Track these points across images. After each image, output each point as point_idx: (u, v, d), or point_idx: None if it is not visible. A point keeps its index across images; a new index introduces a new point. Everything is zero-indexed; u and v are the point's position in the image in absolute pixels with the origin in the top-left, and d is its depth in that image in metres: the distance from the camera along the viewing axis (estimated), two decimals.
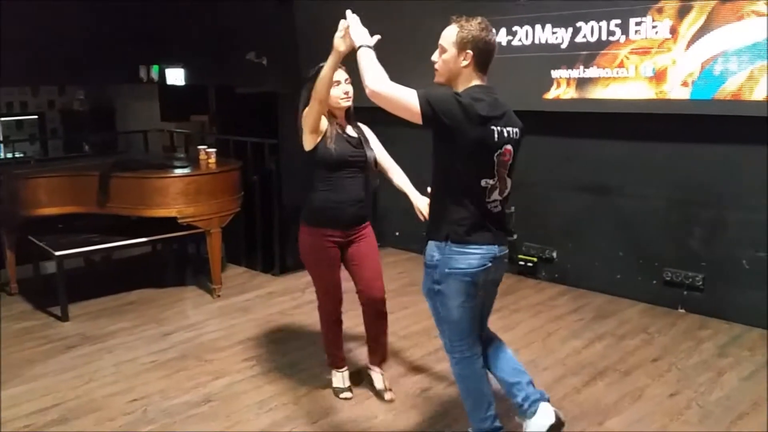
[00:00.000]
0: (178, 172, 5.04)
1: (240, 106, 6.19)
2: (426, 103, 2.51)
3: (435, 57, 2.72)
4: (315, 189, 3.28)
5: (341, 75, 3.18)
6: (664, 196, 4.73)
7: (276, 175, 5.54)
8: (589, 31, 4.70)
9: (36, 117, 8.23)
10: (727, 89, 4.20)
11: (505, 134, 2.65)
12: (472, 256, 2.68)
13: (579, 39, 4.75)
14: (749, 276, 4.40)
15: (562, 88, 4.91)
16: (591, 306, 4.85)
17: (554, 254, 5.37)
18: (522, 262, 5.52)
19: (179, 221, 4.88)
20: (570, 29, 4.79)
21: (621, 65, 4.59)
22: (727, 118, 4.25)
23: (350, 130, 3.35)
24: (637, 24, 4.48)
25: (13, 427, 3.29)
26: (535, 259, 5.46)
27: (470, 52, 2.62)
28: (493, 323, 4.48)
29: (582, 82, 4.80)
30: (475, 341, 2.85)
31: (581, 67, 4.77)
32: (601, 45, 4.66)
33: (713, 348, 4.11)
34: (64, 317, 4.69)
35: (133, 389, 3.68)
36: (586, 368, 3.86)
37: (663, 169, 4.70)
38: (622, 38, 4.55)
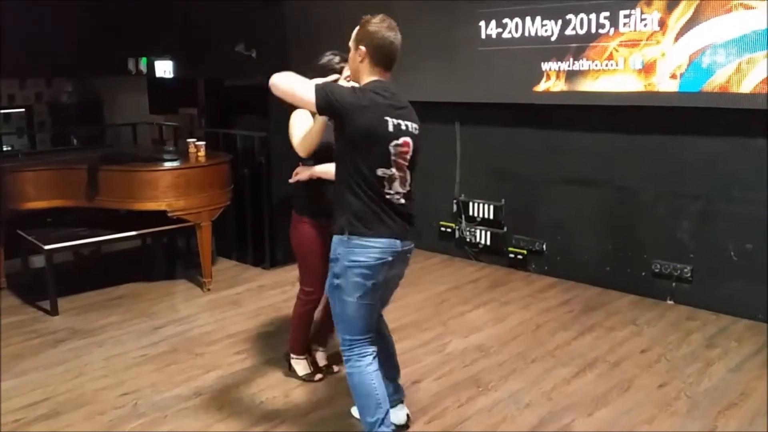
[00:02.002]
0: (168, 165, 5.01)
1: (229, 98, 6.17)
2: (321, 90, 2.60)
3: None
4: (314, 181, 3.32)
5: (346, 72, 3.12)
6: (653, 189, 4.75)
7: (266, 168, 5.53)
8: (578, 23, 4.71)
9: (23, 110, 8.15)
10: (715, 82, 4.22)
11: (403, 127, 2.69)
12: (372, 250, 2.68)
13: (569, 31, 4.76)
14: (737, 268, 4.43)
15: (552, 81, 4.92)
16: (580, 298, 4.88)
17: (544, 246, 5.39)
18: (512, 255, 5.54)
19: (169, 215, 4.86)
20: (560, 21, 4.80)
21: (610, 58, 4.60)
22: (715, 111, 4.27)
23: None
24: (626, 16, 4.49)
25: (4, 421, 3.28)
26: (524, 252, 5.48)
27: (364, 48, 2.69)
28: (484, 315, 4.56)
29: (572, 75, 4.81)
30: (371, 341, 2.84)
31: (571, 60, 4.78)
32: (590, 37, 4.67)
33: (701, 339, 4.15)
34: (53, 311, 4.67)
35: (124, 383, 3.68)
36: (575, 360, 3.89)
37: (652, 161, 4.72)
38: (612, 31, 4.57)
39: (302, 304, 3.56)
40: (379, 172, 2.66)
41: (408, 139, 2.70)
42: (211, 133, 6.01)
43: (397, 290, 3.72)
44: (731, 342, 4.09)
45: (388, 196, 2.69)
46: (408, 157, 2.72)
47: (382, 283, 2.78)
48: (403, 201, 2.74)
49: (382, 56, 2.70)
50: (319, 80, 2.81)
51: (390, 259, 2.72)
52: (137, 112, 7.38)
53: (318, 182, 3.29)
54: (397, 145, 2.67)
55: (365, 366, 2.80)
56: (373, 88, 2.67)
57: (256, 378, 3.70)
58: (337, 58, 3.29)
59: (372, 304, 2.78)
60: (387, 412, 2.80)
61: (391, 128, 2.65)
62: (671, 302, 4.73)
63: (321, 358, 3.79)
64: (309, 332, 3.69)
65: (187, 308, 4.83)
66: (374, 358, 2.83)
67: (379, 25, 2.68)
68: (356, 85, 2.78)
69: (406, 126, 2.70)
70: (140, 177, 4.83)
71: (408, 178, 2.76)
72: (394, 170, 2.68)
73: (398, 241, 2.73)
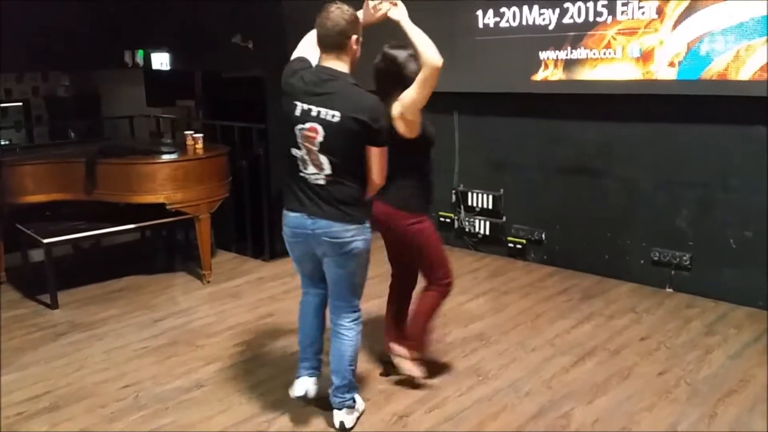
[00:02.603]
0: (166, 157, 5.00)
1: (226, 90, 6.15)
2: None
3: None
4: (426, 174, 3.35)
5: None
6: (652, 177, 4.75)
7: (264, 159, 5.52)
8: (576, 11, 4.70)
9: (20, 104, 8.13)
10: (714, 69, 4.21)
11: (313, 113, 2.78)
12: (286, 220, 2.98)
13: (566, 20, 4.75)
14: (736, 255, 4.44)
15: (550, 70, 4.91)
16: (579, 287, 4.89)
17: (543, 236, 5.39)
18: (511, 245, 5.54)
19: (167, 207, 4.85)
20: (557, 10, 4.78)
21: (608, 46, 4.59)
22: (713, 98, 4.27)
23: None
24: (624, 4, 4.48)
25: (5, 414, 3.28)
26: (524, 241, 5.48)
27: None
28: (483, 305, 4.58)
29: (570, 64, 4.80)
30: (306, 285, 3.19)
31: (569, 48, 4.77)
32: (588, 26, 4.66)
33: (701, 326, 4.16)
34: (53, 305, 4.68)
35: (124, 376, 3.69)
36: (574, 348, 3.90)
37: (650, 149, 4.72)
38: (609, 19, 4.55)
39: (443, 296, 3.48)
40: (293, 151, 2.86)
41: (315, 125, 2.78)
42: (209, 125, 6.00)
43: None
44: (730, 329, 4.10)
45: (302, 174, 2.87)
46: (316, 141, 2.79)
47: (304, 258, 3.04)
48: (322, 182, 2.84)
49: (319, 40, 2.83)
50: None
51: (299, 232, 2.92)
52: (134, 105, 7.36)
53: (427, 179, 3.36)
54: (302, 129, 2.80)
55: (301, 303, 3.24)
56: (302, 74, 2.84)
57: (257, 369, 3.71)
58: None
59: (296, 261, 3.11)
60: (301, 360, 3.23)
61: (298, 113, 2.80)
62: (670, 290, 4.74)
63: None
64: None
65: (186, 301, 4.83)
66: (307, 304, 3.21)
67: (321, 9, 2.82)
68: None
69: (318, 112, 2.77)
70: (138, 170, 4.82)
71: (323, 163, 2.81)
72: (303, 152, 2.83)
73: (308, 220, 2.88)
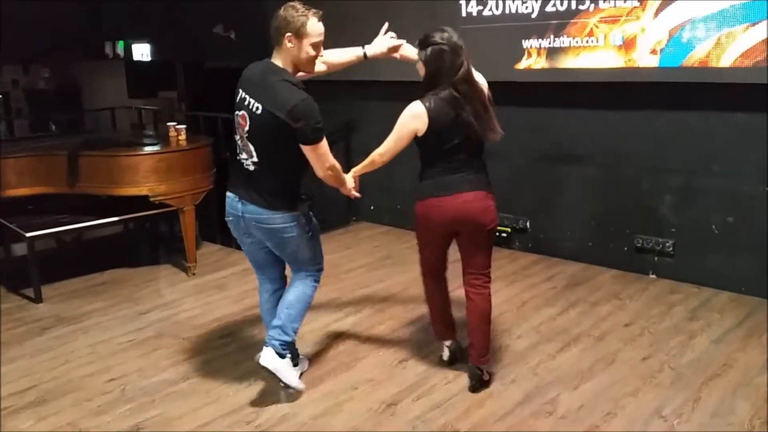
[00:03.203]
0: (148, 149, 4.97)
1: (209, 81, 6.12)
2: None
3: None
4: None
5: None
6: (635, 164, 4.78)
7: None
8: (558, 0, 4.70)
9: (0, 96, 8.05)
10: (695, 56, 4.23)
11: (246, 102, 2.94)
12: (226, 200, 3.18)
13: (549, 8, 4.75)
14: (719, 241, 4.48)
15: (533, 58, 4.91)
16: (564, 274, 4.92)
17: (527, 224, 5.42)
18: (496, 233, 5.54)
19: (151, 199, 4.82)
20: None
21: (591, 34, 4.60)
22: (695, 85, 4.29)
23: None
24: None
25: None
26: (509, 230, 5.50)
27: None
28: None
29: (552, 52, 4.81)
30: (261, 278, 3.39)
31: (552, 37, 4.78)
32: (570, 14, 4.66)
33: (684, 312, 4.20)
34: (37, 299, 4.65)
35: (110, 369, 3.67)
36: (560, 335, 3.93)
37: (633, 137, 4.75)
38: (591, 7, 4.56)
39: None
40: (235, 136, 3.05)
41: (245, 113, 2.95)
42: (192, 117, 5.97)
43: (383, 270, 3.75)
44: (713, 314, 4.15)
45: (239, 158, 3.06)
46: (244, 130, 2.96)
47: (244, 241, 3.21)
48: (252, 168, 3.00)
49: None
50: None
51: (232, 212, 3.13)
52: (116, 97, 7.32)
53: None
54: (237, 116, 2.99)
55: (259, 298, 3.44)
56: (254, 65, 3.03)
57: (244, 361, 3.70)
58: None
59: (244, 246, 3.26)
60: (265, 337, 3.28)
61: (237, 99, 2.99)
62: (653, 276, 4.78)
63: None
64: (435, 318, 3.63)
65: (172, 293, 4.82)
66: (264, 292, 3.40)
67: None
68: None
69: (249, 102, 2.92)
70: (120, 162, 4.79)
71: (251, 150, 2.97)
72: (237, 138, 3.03)
73: (239, 204, 3.07)
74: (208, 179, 5.19)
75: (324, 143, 2.95)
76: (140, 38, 7.14)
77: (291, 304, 3.23)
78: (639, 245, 4.81)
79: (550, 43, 4.79)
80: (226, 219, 3.21)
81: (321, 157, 2.96)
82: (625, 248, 4.90)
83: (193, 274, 5.13)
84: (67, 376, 3.61)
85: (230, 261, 5.47)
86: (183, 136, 5.11)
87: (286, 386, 3.25)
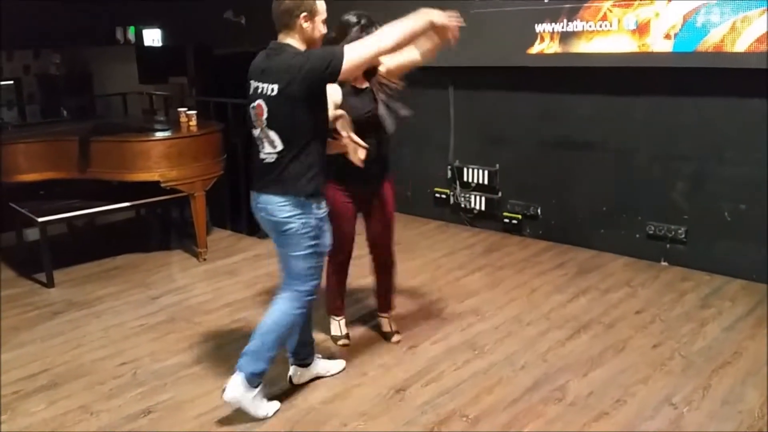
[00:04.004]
0: (159, 135, 4.98)
1: (219, 66, 6.10)
2: None
3: None
4: None
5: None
6: (647, 150, 4.74)
7: None
8: None
9: (12, 82, 8.08)
10: (710, 41, 4.19)
11: (259, 90, 2.82)
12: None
13: None
14: (731, 228, 4.45)
15: (546, 43, 4.87)
16: (575, 261, 4.90)
17: (539, 211, 5.40)
18: (506, 220, 5.54)
19: (162, 185, 4.84)
20: None
21: (604, 18, 4.56)
22: (709, 71, 4.25)
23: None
24: None
25: (3, 392, 3.29)
26: (519, 216, 5.48)
27: None
28: (479, 280, 4.59)
29: (566, 36, 4.76)
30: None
31: (565, 21, 4.74)
32: None
33: (695, 299, 4.18)
34: (49, 284, 4.68)
35: (122, 353, 3.70)
36: (570, 322, 3.92)
37: (645, 123, 4.71)
38: None
39: (327, 266, 3.57)
40: (252, 132, 2.90)
41: (261, 102, 2.82)
42: (202, 102, 5.97)
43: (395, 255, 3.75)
44: (725, 302, 4.13)
45: (260, 154, 2.89)
46: (263, 119, 2.82)
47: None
48: (274, 159, 2.84)
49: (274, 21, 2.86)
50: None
51: (253, 208, 2.98)
52: (127, 82, 7.33)
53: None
54: (253, 108, 2.86)
55: None
56: (259, 54, 2.92)
57: None
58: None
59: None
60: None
61: (251, 91, 2.87)
62: (665, 263, 4.75)
63: (385, 324, 3.83)
64: (338, 294, 3.73)
65: (183, 278, 4.84)
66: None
67: None
68: None
69: (262, 89, 2.80)
70: (132, 147, 4.80)
71: (273, 139, 2.82)
72: (258, 131, 2.87)
73: (255, 198, 2.94)
74: (218, 165, 5.19)
75: (350, 52, 2.71)
76: (151, 24, 7.14)
77: (268, 329, 2.96)
78: (651, 232, 4.78)
79: (563, 28, 4.75)
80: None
81: (360, 62, 2.75)
82: (637, 235, 4.87)
83: (204, 259, 5.15)
84: (78, 360, 3.64)
85: (241, 246, 5.48)
86: (194, 122, 5.11)
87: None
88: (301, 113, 2.77)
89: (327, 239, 3.02)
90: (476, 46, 5.21)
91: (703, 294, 4.25)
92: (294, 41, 2.83)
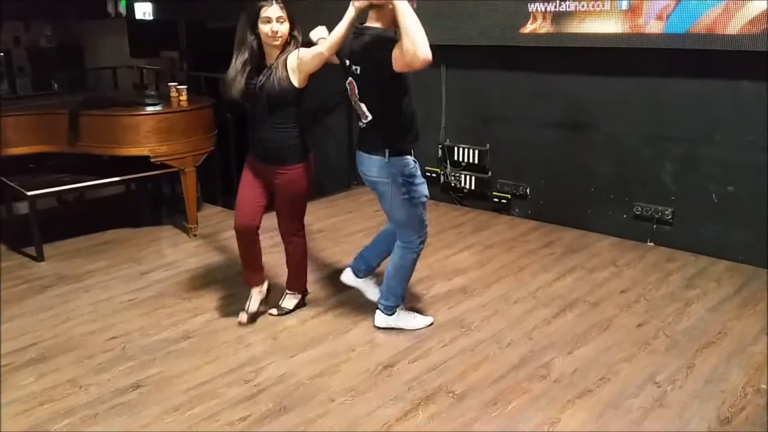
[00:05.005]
0: (150, 109, 4.95)
1: (211, 41, 6.06)
2: None
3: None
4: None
5: (273, 12, 3.21)
6: (637, 132, 4.76)
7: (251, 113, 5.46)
8: None
9: (2, 54, 8.00)
10: (702, 23, 4.18)
11: (351, 69, 3.18)
12: None
13: None
14: (718, 210, 4.48)
15: (538, 22, 4.86)
16: (562, 241, 4.94)
17: (527, 190, 5.42)
18: (496, 199, 5.57)
19: (152, 160, 4.82)
20: None
21: None
22: (700, 53, 4.25)
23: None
24: None
25: None
26: (508, 196, 5.51)
27: None
28: (468, 258, 4.64)
29: (558, 16, 4.75)
30: None
31: (557, 1, 4.72)
32: None
33: (681, 280, 4.22)
34: (39, 257, 4.68)
35: (112, 327, 3.71)
36: (556, 300, 3.96)
37: (636, 104, 4.72)
38: None
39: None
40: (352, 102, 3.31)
41: (351, 80, 3.21)
42: (193, 77, 5.93)
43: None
44: (710, 282, 4.17)
45: (359, 123, 3.33)
46: (355, 94, 3.23)
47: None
48: (364, 127, 3.29)
49: None
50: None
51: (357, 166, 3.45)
52: (118, 56, 7.27)
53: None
54: (348, 84, 3.24)
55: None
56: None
57: None
58: None
59: None
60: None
61: (345, 69, 3.23)
62: (651, 244, 4.79)
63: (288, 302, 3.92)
64: (248, 265, 3.80)
65: (173, 254, 4.85)
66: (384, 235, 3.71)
67: None
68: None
69: (353, 68, 3.17)
70: (122, 122, 4.78)
71: (364, 109, 3.23)
72: (354, 104, 3.29)
73: (358, 159, 3.40)
74: (209, 140, 5.18)
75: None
76: None
77: (389, 276, 3.53)
78: (638, 213, 4.82)
79: (555, 7, 4.74)
80: None
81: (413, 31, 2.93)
82: (624, 216, 4.91)
83: (195, 235, 5.16)
84: (68, 333, 3.66)
85: (231, 223, 5.42)
86: (184, 97, 5.09)
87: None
88: (378, 90, 3.14)
89: (421, 190, 3.37)
90: (469, 25, 5.20)
91: (688, 274, 4.30)
92: (376, 22, 3.10)
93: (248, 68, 3.33)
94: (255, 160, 3.52)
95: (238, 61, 3.34)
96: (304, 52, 3.24)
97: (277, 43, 3.26)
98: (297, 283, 3.86)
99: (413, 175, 3.30)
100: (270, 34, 3.22)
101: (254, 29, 3.28)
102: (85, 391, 3.10)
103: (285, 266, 3.85)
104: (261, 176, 3.53)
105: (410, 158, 3.29)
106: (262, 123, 3.39)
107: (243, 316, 3.71)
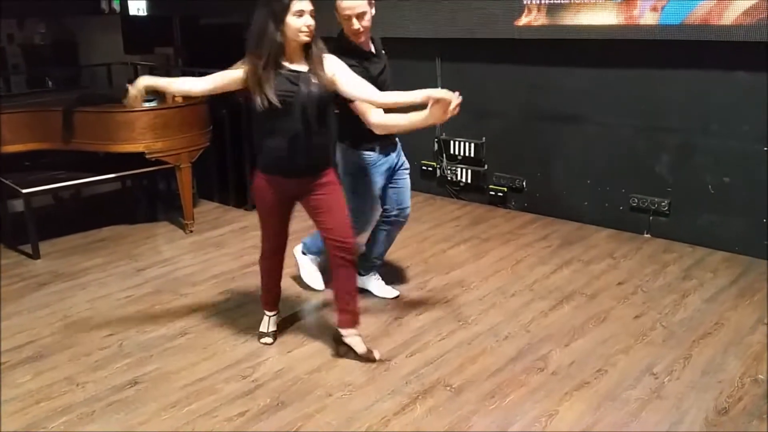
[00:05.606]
0: (144, 105, 4.92)
1: (205, 37, 6.05)
2: None
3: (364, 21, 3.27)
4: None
5: (306, 5, 2.91)
6: (632, 123, 4.76)
7: (245, 108, 5.45)
8: None
9: None
10: (697, 14, 4.18)
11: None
12: None
13: None
14: (714, 201, 4.49)
15: (533, 14, 4.85)
16: (559, 233, 4.94)
17: (524, 183, 5.42)
18: (492, 192, 5.56)
19: (147, 156, 4.81)
20: None
21: None
22: (695, 44, 4.25)
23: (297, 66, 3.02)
24: None
25: None
26: (505, 189, 5.51)
27: None
28: (465, 252, 4.65)
29: (553, 8, 4.74)
30: None
31: None
32: None
33: (677, 271, 4.23)
34: (35, 255, 4.67)
35: (108, 324, 3.70)
36: (553, 293, 3.96)
37: (632, 95, 4.72)
38: None
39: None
40: None
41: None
42: (188, 73, 5.91)
43: None
44: (707, 273, 4.18)
45: None
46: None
47: None
48: None
49: None
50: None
51: None
52: (112, 53, 7.24)
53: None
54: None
55: None
56: None
57: (241, 318, 3.74)
58: None
59: None
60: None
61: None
62: (648, 235, 4.80)
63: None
64: (269, 288, 3.51)
65: (170, 250, 4.84)
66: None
67: None
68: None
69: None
70: (116, 118, 4.76)
71: None
72: None
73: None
74: (204, 137, 5.17)
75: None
76: None
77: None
78: (635, 204, 4.82)
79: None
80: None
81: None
82: (621, 207, 4.91)
83: (191, 231, 5.15)
84: (64, 331, 3.65)
85: (228, 219, 5.48)
86: None
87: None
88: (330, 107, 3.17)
89: (370, 189, 3.58)
90: (464, 18, 5.18)
91: (685, 265, 4.30)
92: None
93: (273, 69, 2.96)
94: (287, 175, 3.11)
95: (262, 61, 2.94)
96: (347, 77, 3.04)
97: (309, 39, 2.94)
98: (353, 314, 3.31)
99: (364, 169, 3.50)
100: (304, 29, 2.90)
101: (279, 25, 2.90)
102: (82, 388, 3.09)
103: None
104: (289, 196, 3.19)
105: (368, 153, 3.50)
106: (307, 130, 3.01)
107: (268, 340, 3.45)
